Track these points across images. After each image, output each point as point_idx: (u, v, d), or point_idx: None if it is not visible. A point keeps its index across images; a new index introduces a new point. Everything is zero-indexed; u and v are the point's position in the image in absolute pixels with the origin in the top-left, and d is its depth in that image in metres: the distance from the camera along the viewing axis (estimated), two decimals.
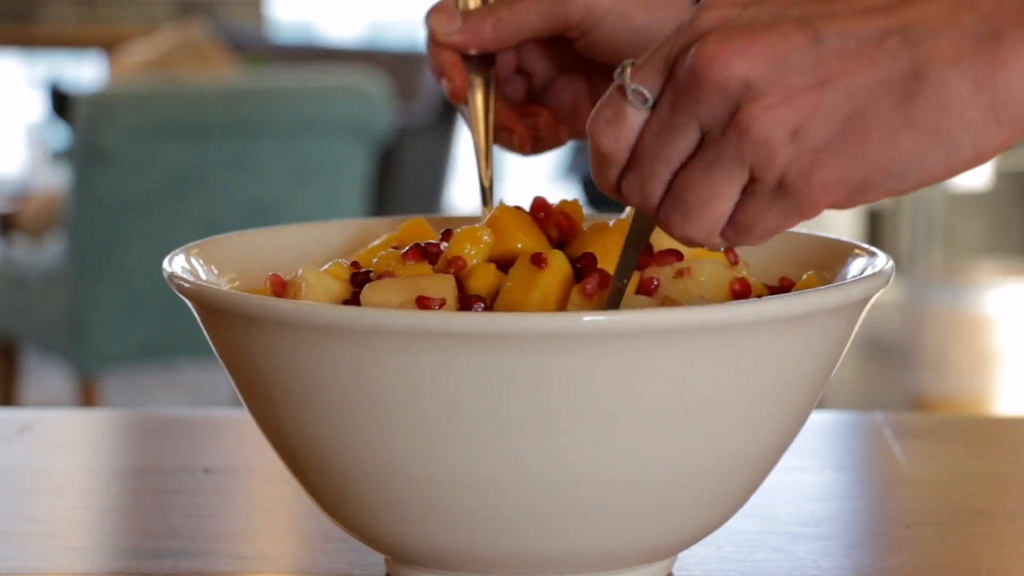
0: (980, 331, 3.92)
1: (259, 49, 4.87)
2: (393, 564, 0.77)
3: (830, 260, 0.81)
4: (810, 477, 0.97)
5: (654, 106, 0.67)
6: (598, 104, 0.68)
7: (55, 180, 4.92)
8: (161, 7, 6.51)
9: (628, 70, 0.67)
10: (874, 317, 4.27)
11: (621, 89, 0.67)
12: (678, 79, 0.65)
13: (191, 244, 0.82)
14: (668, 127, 0.66)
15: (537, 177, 6.69)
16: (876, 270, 0.75)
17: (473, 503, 0.70)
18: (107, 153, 3.20)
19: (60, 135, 5.23)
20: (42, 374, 4.34)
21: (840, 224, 4.29)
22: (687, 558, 0.81)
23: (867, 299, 0.73)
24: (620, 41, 0.89)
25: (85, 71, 6.21)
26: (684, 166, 0.67)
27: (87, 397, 3.40)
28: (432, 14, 0.89)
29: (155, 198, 3.25)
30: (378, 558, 0.80)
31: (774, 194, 0.66)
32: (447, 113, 4.25)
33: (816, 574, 0.81)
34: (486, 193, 0.88)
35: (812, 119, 0.64)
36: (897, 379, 4.31)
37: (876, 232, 5.16)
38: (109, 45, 5.49)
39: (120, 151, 3.20)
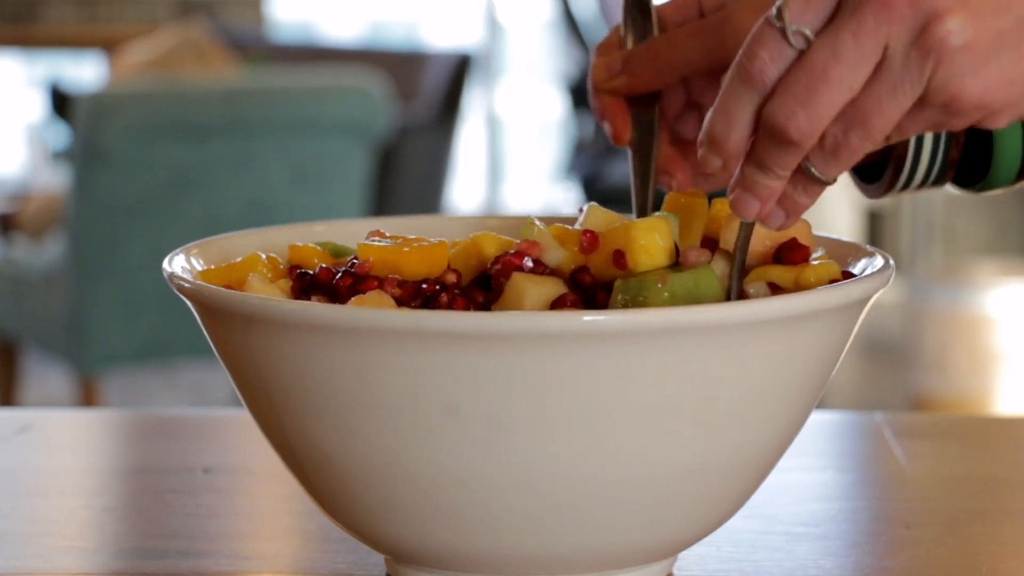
0: (980, 331, 3.92)
1: (259, 49, 4.87)
2: (393, 564, 0.77)
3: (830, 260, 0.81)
4: (810, 477, 0.97)
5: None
6: (749, 42, 0.70)
7: (55, 180, 4.92)
8: (161, 7, 6.51)
9: (786, 11, 0.69)
10: (874, 317, 4.26)
11: (777, 30, 0.69)
12: (866, 5, 0.68)
13: (191, 244, 0.82)
14: (853, 53, 0.68)
15: (537, 178, 6.70)
16: (876, 270, 0.75)
17: (473, 503, 0.70)
18: (107, 153, 3.20)
19: (60, 135, 5.23)
20: (42, 374, 4.34)
21: (840, 224, 4.29)
22: (687, 558, 0.81)
23: (867, 299, 0.73)
24: None
25: (85, 71, 6.21)
26: (863, 88, 0.69)
27: (87, 397, 3.40)
28: (595, 62, 0.87)
29: (155, 198, 3.25)
30: (378, 558, 0.80)
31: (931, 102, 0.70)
32: (447, 113, 4.25)
33: (816, 574, 0.81)
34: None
35: (991, 40, 0.68)
36: (897, 379, 4.31)
37: (876, 232, 5.16)
38: (109, 45, 5.49)
39: (120, 151, 3.20)
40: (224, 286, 0.76)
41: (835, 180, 0.73)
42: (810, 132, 0.69)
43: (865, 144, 0.70)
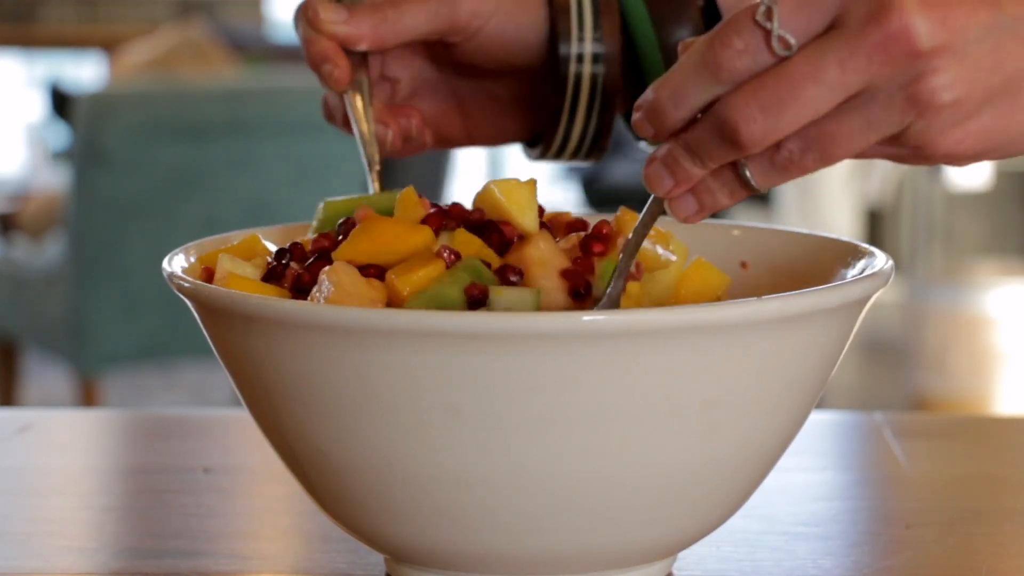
0: (980, 331, 3.92)
1: (259, 49, 4.87)
2: (393, 564, 0.77)
3: (830, 260, 0.81)
4: (810, 477, 0.97)
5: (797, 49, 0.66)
6: (722, 28, 0.67)
7: (55, 180, 4.93)
8: (161, 7, 6.51)
9: (776, 11, 0.66)
10: (874, 317, 4.28)
11: (759, 27, 0.66)
12: (863, 39, 0.65)
13: (191, 244, 0.82)
14: (834, 81, 0.66)
15: (537, 178, 6.69)
16: (876, 270, 0.75)
17: (473, 503, 0.70)
18: (107, 153, 3.20)
19: (60, 135, 5.23)
20: (42, 374, 4.34)
21: (840, 224, 4.29)
22: (687, 558, 0.81)
23: (867, 299, 0.73)
24: (504, 41, 0.89)
25: (85, 71, 6.21)
26: (832, 114, 0.67)
27: (87, 397, 3.40)
28: (317, 3, 0.87)
29: (155, 198, 3.25)
30: (378, 558, 0.80)
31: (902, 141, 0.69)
32: None
33: (816, 574, 0.81)
34: (380, 177, 0.89)
35: (979, 97, 0.67)
36: (897, 379, 4.31)
37: (876, 232, 5.16)
38: (109, 45, 5.49)
39: (120, 151, 3.20)
40: (203, 271, 0.77)
41: (766, 191, 0.71)
42: (762, 142, 0.67)
43: (819, 166, 0.68)
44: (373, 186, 0.89)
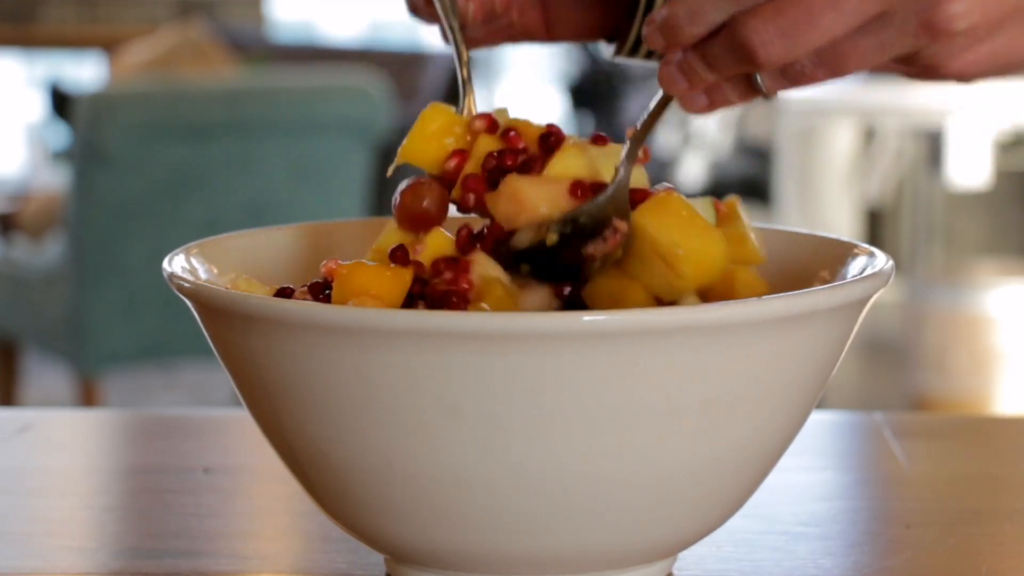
0: (980, 331, 3.92)
1: (259, 49, 4.87)
2: (393, 564, 0.77)
3: (830, 260, 0.81)
4: (810, 477, 0.97)
5: None
6: None
7: (55, 180, 4.93)
8: (161, 7, 6.51)
9: None
10: (874, 317, 4.27)
11: None
12: None
13: (191, 244, 0.82)
14: (854, 8, 0.67)
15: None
16: (876, 270, 0.75)
17: (473, 503, 0.70)
18: (107, 153, 3.20)
19: (60, 135, 5.23)
20: (42, 374, 4.34)
21: (840, 224, 4.29)
22: (687, 558, 0.81)
23: (867, 299, 0.73)
24: None
25: (85, 71, 6.21)
26: (847, 35, 0.68)
27: (87, 397, 3.40)
28: None
29: (155, 198, 3.25)
30: (378, 558, 0.80)
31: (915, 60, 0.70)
32: None
33: (816, 574, 0.81)
34: (465, 84, 0.86)
35: (992, 23, 0.68)
36: (897, 379, 4.31)
37: (876, 232, 5.16)
38: (109, 45, 5.49)
39: (120, 151, 3.20)
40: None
41: (775, 96, 0.73)
42: (779, 61, 0.69)
43: (829, 79, 0.70)
44: (461, 74, 0.86)
